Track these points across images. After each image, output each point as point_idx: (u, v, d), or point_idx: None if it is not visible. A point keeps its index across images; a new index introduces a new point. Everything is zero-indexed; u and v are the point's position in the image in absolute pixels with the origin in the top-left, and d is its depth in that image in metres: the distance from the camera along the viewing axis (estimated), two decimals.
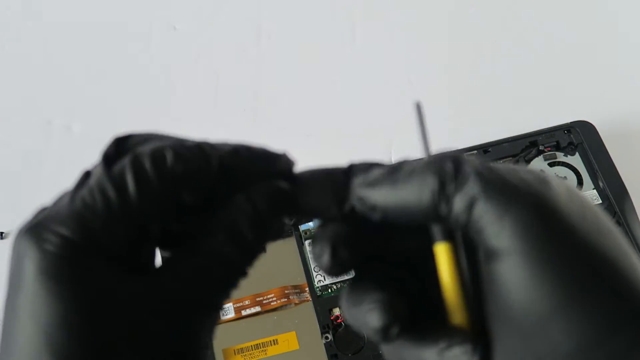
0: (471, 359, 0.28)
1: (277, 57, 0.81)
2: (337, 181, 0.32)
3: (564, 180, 0.28)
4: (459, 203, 0.29)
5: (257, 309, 0.63)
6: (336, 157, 0.76)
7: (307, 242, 0.65)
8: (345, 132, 0.75)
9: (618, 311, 0.27)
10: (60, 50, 0.81)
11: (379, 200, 0.30)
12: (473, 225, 0.28)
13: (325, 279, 0.63)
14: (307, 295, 0.63)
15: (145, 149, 0.32)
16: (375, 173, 0.31)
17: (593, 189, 0.67)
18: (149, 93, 0.79)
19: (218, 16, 0.84)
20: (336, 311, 0.62)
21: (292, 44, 0.82)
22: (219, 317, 0.30)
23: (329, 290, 0.63)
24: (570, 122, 0.70)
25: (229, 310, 0.63)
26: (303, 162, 0.78)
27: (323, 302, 0.62)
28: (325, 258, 0.30)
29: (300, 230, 0.66)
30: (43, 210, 0.32)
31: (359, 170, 0.32)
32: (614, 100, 0.76)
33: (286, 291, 0.63)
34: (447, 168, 0.30)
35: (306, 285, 0.63)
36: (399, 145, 0.74)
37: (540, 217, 0.28)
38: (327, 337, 0.61)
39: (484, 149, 0.69)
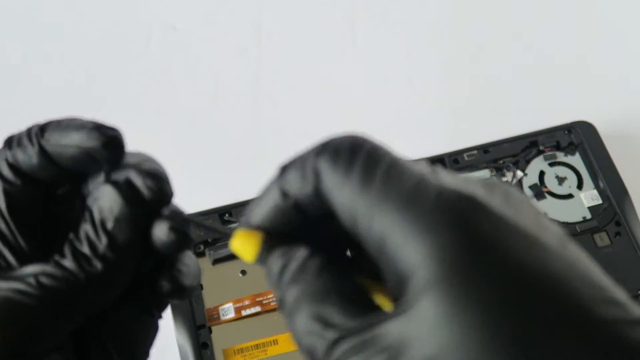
0: None
1: (277, 57, 0.81)
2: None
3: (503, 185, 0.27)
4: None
5: (257, 309, 0.63)
6: None
7: None
8: (346, 132, 0.75)
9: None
10: (60, 50, 0.81)
11: (256, 218, 0.30)
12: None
13: None
14: None
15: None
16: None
17: (593, 189, 0.67)
18: (149, 93, 0.79)
19: (218, 16, 0.84)
20: None
21: (292, 44, 0.81)
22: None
23: None
24: (571, 122, 0.70)
25: (229, 311, 0.63)
26: None
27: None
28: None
29: None
30: None
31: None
32: (614, 100, 0.76)
33: None
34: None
35: None
36: (399, 146, 0.73)
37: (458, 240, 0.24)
38: None
39: (484, 149, 0.69)
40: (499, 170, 0.68)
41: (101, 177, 0.32)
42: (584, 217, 0.66)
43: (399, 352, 0.23)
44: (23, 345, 0.30)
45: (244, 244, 0.30)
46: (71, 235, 0.32)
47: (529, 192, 0.67)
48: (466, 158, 0.69)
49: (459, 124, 0.75)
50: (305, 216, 0.29)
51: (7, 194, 0.32)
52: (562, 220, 0.65)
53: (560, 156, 0.69)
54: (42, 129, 0.33)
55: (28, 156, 0.32)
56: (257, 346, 0.62)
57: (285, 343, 0.61)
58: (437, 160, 0.69)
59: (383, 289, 0.27)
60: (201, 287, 0.63)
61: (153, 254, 0.33)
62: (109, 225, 0.31)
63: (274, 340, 0.62)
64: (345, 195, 0.26)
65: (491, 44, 0.81)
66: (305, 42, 0.82)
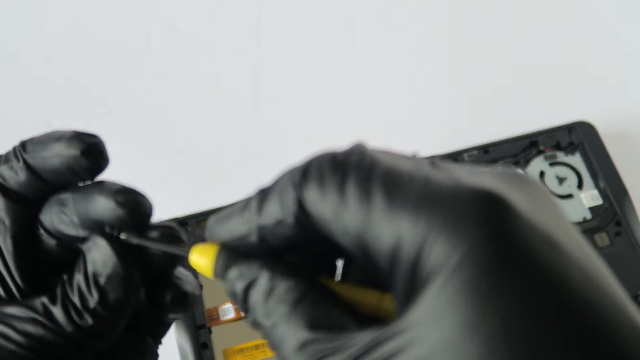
0: None
1: (277, 57, 0.81)
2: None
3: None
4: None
5: None
6: None
7: None
8: (345, 132, 0.75)
9: None
10: (60, 50, 0.81)
11: (219, 233, 0.29)
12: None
13: None
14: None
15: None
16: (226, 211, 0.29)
17: (593, 189, 0.67)
18: (148, 93, 0.79)
19: (218, 16, 0.84)
20: None
21: (292, 44, 0.81)
22: None
23: None
24: (571, 122, 0.70)
25: (229, 311, 0.63)
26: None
27: None
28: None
29: None
30: None
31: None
32: (614, 100, 0.76)
33: None
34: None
35: None
36: (399, 145, 0.73)
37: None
38: None
39: (484, 149, 0.69)
40: None
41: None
42: (584, 218, 0.66)
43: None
44: None
45: (200, 258, 0.29)
46: (65, 277, 0.31)
47: None
48: (466, 158, 0.69)
49: (459, 124, 0.75)
50: (270, 245, 0.27)
51: None
52: None
53: (561, 156, 0.69)
54: (24, 144, 0.32)
55: (14, 172, 0.32)
56: (257, 346, 0.62)
57: None
58: None
59: (382, 295, 0.27)
60: (201, 287, 0.63)
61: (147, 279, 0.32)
62: (102, 281, 0.30)
63: None
64: (345, 220, 0.25)
65: (491, 44, 0.81)
66: (305, 42, 0.82)
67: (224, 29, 0.83)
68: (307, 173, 0.26)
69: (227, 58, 0.81)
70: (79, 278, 0.30)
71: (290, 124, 0.76)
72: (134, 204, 0.31)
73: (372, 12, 0.84)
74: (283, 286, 0.26)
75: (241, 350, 0.62)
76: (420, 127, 0.75)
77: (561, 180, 0.68)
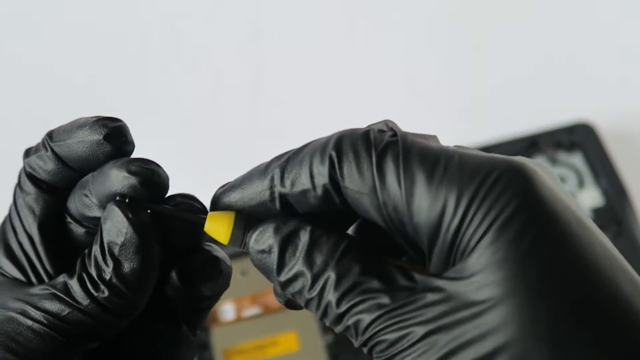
0: None
1: (277, 56, 0.81)
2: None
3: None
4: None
5: (257, 309, 0.63)
6: None
7: None
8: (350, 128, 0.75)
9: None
10: (60, 50, 0.81)
11: (232, 201, 0.30)
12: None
13: None
14: None
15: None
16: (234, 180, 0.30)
17: (594, 189, 0.67)
18: (148, 93, 0.79)
19: (218, 15, 0.84)
20: None
21: (291, 43, 0.81)
22: None
23: None
24: (571, 123, 0.70)
25: (229, 311, 0.63)
26: None
27: None
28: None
29: None
30: None
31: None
32: (614, 100, 0.76)
33: None
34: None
35: None
36: None
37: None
38: (327, 338, 0.61)
39: (485, 149, 0.69)
40: None
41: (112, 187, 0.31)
42: None
43: (459, 313, 0.24)
44: None
45: (215, 226, 0.29)
46: (85, 252, 0.31)
47: None
48: None
49: (459, 124, 0.75)
50: (291, 212, 0.28)
51: (28, 207, 0.32)
52: None
53: (561, 156, 0.69)
54: (51, 134, 0.32)
55: (44, 161, 0.32)
56: (257, 347, 0.62)
57: (286, 344, 0.61)
58: None
59: (414, 265, 0.27)
60: None
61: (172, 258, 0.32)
62: (116, 251, 0.30)
63: (274, 341, 0.62)
64: (384, 196, 0.26)
65: (491, 45, 0.81)
66: (304, 42, 0.82)
67: (224, 28, 0.83)
68: (340, 149, 0.27)
69: (227, 58, 0.81)
70: (95, 249, 0.30)
71: (289, 123, 0.76)
72: (146, 172, 0.31)
73: (371, 11, 0.84)
74: (326, 239, 0.27)
75: (241, 351, 0.62)
76: (420, 127, 0.75)
77: (562, 180, 0.68)
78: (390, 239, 0.28)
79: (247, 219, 0.28)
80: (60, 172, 0.32)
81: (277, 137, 0.75)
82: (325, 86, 0.78)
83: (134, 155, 0.33)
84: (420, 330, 0.25)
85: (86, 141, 0.31)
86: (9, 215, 0.33)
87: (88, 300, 0.30)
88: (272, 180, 0.28)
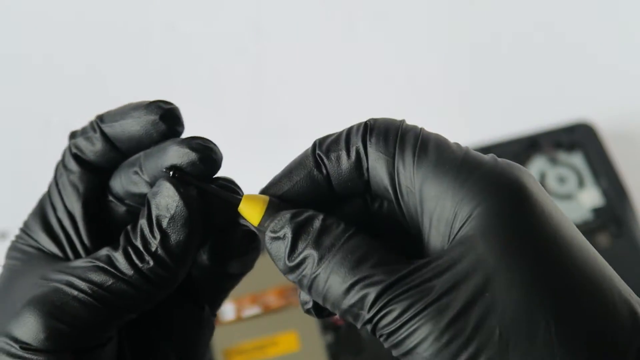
0: None
1: (277, 56, 0.81)
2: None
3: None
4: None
5: (257, 309, 0.63)
6: None
7: None
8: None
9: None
10: (60, 50, 0.81)
11: (276, 180, 0.32)
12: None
13: None
14: None
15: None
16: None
17: (594, 189, 0.67)
18: (148, 93, 0.78)
19: (218, 15, 0.84)
20: None
21: (291, 43, 0.81)
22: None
23: None
24: (572, 123, 0.70)
25: (229, 311, 0.63)
26: None
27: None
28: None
29: None
30: None
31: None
32: (614, 100, 0.76)
33: (286, 292, 0.63)
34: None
35: None
36: None
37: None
38: (327, 338, 0.61)
39: (485, 149, 0.69)
40: None
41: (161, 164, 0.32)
42: (585, 218, 0.66)
43: (454, 285, 0.27)
44: (72, 337, 0.31)
45: (249, 207, 0.31)
46: (128, 227, 0.32)
47: None
48: None
49: (459, 124, 0.75)
50: (329, 191, 0.31)
51: (72, 185, 0.34)
52: None
53: (561, 156, 0.69)
54: (101, 117, 0.35)
55: (91, 142, 0.34)
56: (257, 347, 0.62)
57: (286, 344, 0.61)
58: None
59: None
60: None
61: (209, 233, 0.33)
62: (164, 223, 0.31)
63: (274, 341, 0.62)
64: (399, 169, 0.29)
65: (491, 44, 0.81)
66: (304, 41, 0.82)
67: (224, 28, 0.83)
68: (375, 122, 0.31)
69: (226, 57, 0.81)
70: (142, 222, 0.31)
71: (290, 123, 0.76)
72: (206, 149, 0.33)
73: (371, 11, 0.84)
74: (336, 225, 0.29)
75: (241, 351, 0.62)
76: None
77: (562, 180, 0.68)
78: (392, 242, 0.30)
79: (279, 206, 0.30)
80: (107, 153, 0.34)
81: (277, 137, 0.75)
82: (325, 86, 0.78)
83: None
84: (429, 298, 0.27)
85: (142, 120, 0.33)
86: (49, 193, 0.35)
87: (132, 271, 0.31)
88: (313, 147, 0.32)
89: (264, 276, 0.63)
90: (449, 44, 0.81)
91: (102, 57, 0.81)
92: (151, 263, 0.31)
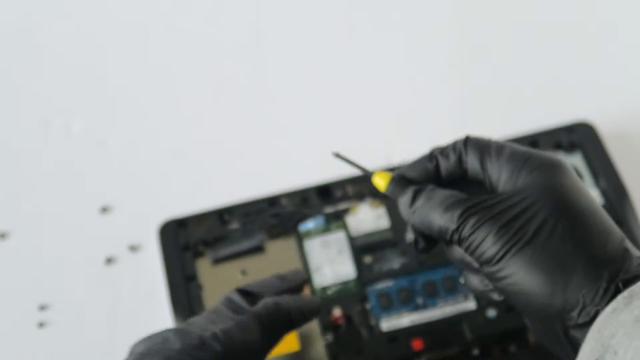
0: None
1: (277, 57, 0.81)
2: None
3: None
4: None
5: None
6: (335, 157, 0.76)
7: (306, 242, 0.65)
8: (345, 132, 0.75)
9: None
10: (60, 50, 0.81)
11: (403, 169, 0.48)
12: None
13: (325, 280, 0.63)
14: (308, 295, 0.63)
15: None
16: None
17: (594, 189, 0.67)
18: (148, 93, 0.79)
19: (218, 16, 0.84)
20: (337, 311, 0.62)
21: (291, 43, 0.81)
22: None
23: (330, 291, 0.63)
24: (571, 122, 0.70)
25: None
26: (303, 161, 0.79)
27: (323, 302, 0.62)
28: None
29: (300, 231, 0.66)
30: None
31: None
32: (614, 100, 0.76)
33: None
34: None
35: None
36: (398, 145, 0.74)
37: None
38: (327, 338, 0.61)
39: None
40: None
41: None
42: None
43: (509, 207, 0.42)
44: None
45: (380, 178, 0.47)
46: None
47: None
48: None
49: (459, 124, 0.75)
50: (435, 177, 0.47)
51: None
52: None
53: (561, 156, 0.69)
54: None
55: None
56: None
57: (285, 343, 0.61)
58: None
59: None
60: (201, 287, 0.63)
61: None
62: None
63: None
64: (487, 162, 0.45)
65: (491, 44, 0.81)
66: (304, 42, 0.82)
67: (224, 28, 0.83)
68: (467, 140, 0.47)
69: (227, 58, 0.81)
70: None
71: (290, 124, 0.76)
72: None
73: (371, 11, 0.84)
74: (439, 189, 0.45)
75: None
76: (420, 127, 0.75)
77: None
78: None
79: (399, 180, 0.46)
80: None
81: (277, 138, 0.75)
82: (325, 86, 0.78)
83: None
84: (492, 212, 0.42)
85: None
86: None
87: None
88: (433, 150, 0.47)
89: (264, 276, 0.63)
90: (449, 43, 0.81)
91: (102, 56, 0.81)
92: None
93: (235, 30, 0.83)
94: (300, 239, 0.65)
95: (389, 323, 0.61)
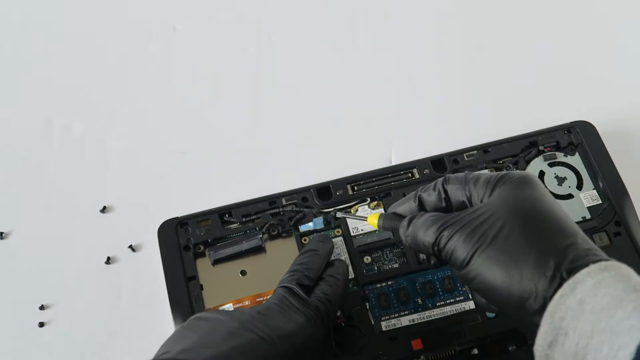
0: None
1: (277, 57, 0.81)
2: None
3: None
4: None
5: None
6: (335, 157, 0.77)
7: (306, 242, 0.65)
8: (345, 133, 0.75)
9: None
10: (60, 50, 0.81)
11: (394, 208, 0.57)
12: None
13: None
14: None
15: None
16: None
17: (593, 189, 0.67)
18: (149, 93, 0.79)
19: (218, 16, 0.84)
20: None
21: (292, 44, 0.81)
22: None
23: None
24: (570, 122, 0.70)
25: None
26: (303, 161, 0.78)
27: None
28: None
29: (300, 231, 0.66)
30: None
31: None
32: (614, 100, 0.76)
33: None
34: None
35: None
36: (398, 146, 0.74)
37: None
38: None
39: (484, 149, 0.69)
40: (499, 171, 0.68)
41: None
42: (584, 217, 0.66)
43: (474, 217, 0.49)
44: None
45: (372, 219, 0.56)
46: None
47: None
48: (466, 158, 0.69)
49: (458, 124, 0.75)
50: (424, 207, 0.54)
51: None
52: None
53: (560, 156, 0.69)
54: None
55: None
56: None
57: None
58: (437, 161, 0.69)
59: None
60: (201, 287, 0.63)
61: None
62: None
63: None
64: (471, 190, 0.52)
65: (491, 45, 0.81)
66: (305, 43, 0.82)
67: (224, 29, 0.83)
68: (446, 177, 0.53)
69: (227, 58, 0.81)
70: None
71: (290, 124, 0.76)
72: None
73: (372, 12, 0.84)
74: (430, 216, 0.51)
75: None
76: (420, 127, 0.75)
77: (561, 180, 0.68)
78: None
79: (392, 216, 0.55)
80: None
81: (277, 138, 0.75)
82: (325, 87, 0.78)
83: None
84: (461, 223, 0.49)
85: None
86: None
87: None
88: (417, 191, 0.54)
89: (265, 277, 0.63)
90: (449, 43, 0.81)
91: (102, 57, 0.81)
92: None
93: (236, 30, 0.83)
94: (300, 239, 0.65)
95: (388, 323, 0.61)
